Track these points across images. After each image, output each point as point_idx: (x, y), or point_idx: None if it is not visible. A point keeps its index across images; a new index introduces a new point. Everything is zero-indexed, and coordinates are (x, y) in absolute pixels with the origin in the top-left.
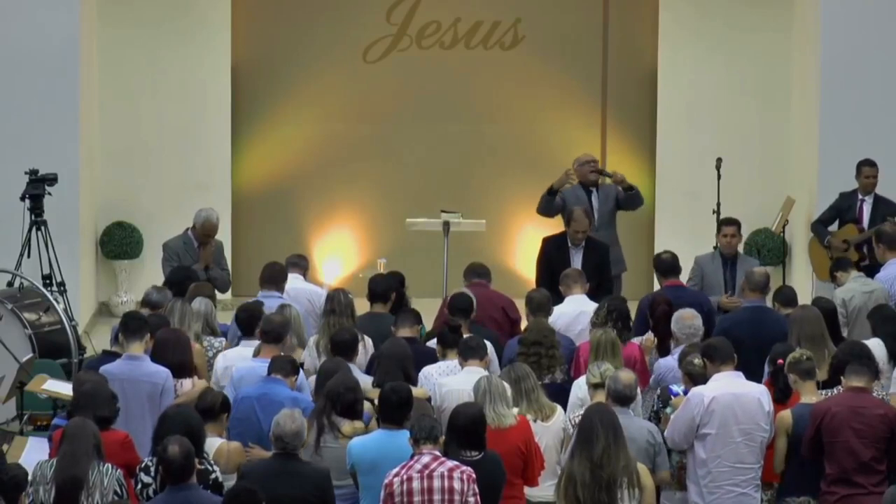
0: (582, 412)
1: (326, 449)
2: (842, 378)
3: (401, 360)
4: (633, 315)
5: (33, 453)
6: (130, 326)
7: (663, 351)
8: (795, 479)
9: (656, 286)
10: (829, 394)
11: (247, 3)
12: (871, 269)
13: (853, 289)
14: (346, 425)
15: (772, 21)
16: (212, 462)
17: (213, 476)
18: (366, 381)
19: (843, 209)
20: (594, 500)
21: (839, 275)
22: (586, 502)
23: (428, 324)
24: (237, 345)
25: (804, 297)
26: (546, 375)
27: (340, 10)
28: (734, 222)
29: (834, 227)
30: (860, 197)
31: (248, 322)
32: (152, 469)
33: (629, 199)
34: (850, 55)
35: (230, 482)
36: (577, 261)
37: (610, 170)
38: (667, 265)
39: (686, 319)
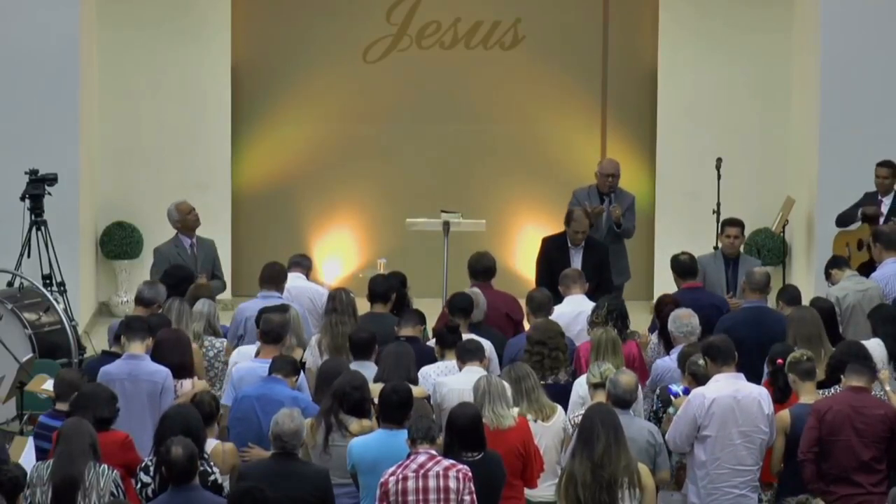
0: (583, 412)
1: (335, 448)
2: (842, 377)
3: (403, 360)
4: (631, 316)
5: (33, 453)
6: (133, 326)
7: (670, 351)
8: (794, 480)
9: (657, 286)
10: (827, 394)
11: (247, 3)
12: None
13: (847, 287)
14: (354, 424)
15: (772, 21)
16: (211, 463)
17: (212, 477)
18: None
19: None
20: (595, 501)
21: (834, 272)
22: (587, 502)
23: (429, 324)
24: (236, 346)
25: (804, 297)
26: (549, 376)
27: (340, 10)
28: (738, 223)
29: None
30: (879, 198)
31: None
32: (151, 469)
33: (617, 234)
34: (850, 55)
35: (225, 483)
36: (576, 261)
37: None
38: (684, 267)
39: (682, 318)
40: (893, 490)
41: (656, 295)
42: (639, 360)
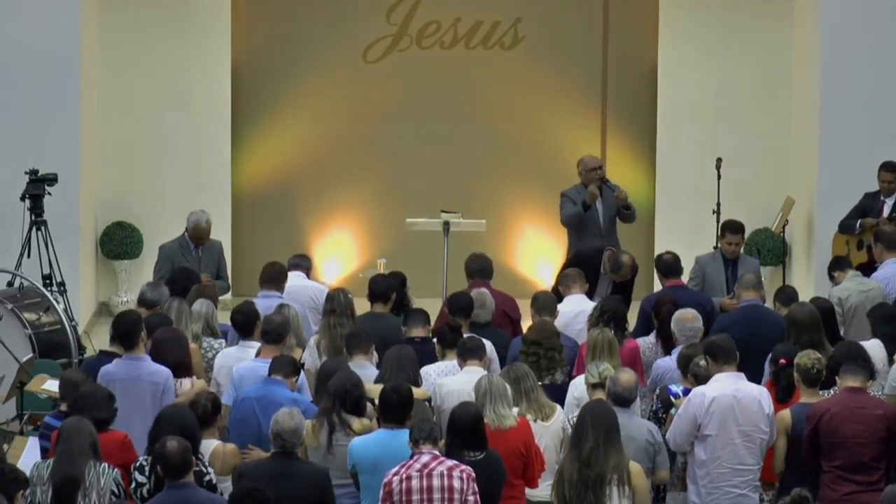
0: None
1: (339, 447)
2: (837, 378)
3: (406, 362)
4: (634, 315)
5: (33, 453)
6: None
7: (668, 351)
8: (796, 480)
9: (656, 286)
10: (827, 394)
11: (247, 3)
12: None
13: (849, 288)
14: (356, 422)
15: (772, 21)
16: (206, 464)
17: (207, 478)
18: (372, 379)
19: (866, 209)
20: (580, 499)
21: (836, 274)
22: (572, 500)
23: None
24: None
25: (804, 297)
26: (546, 377)
27: (340, 10)
28: (739, 230)
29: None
30: (882, 198)
31: (245, 324)
32: (146, 468)
33: (624, 216)
34: (850, 56)
35: (225, 485)
36: (604, 284)
37: (612, 180)
38: (668, 266)
39: (686, 321)
40: (889, 488)
41: None
42: (638, 360)
